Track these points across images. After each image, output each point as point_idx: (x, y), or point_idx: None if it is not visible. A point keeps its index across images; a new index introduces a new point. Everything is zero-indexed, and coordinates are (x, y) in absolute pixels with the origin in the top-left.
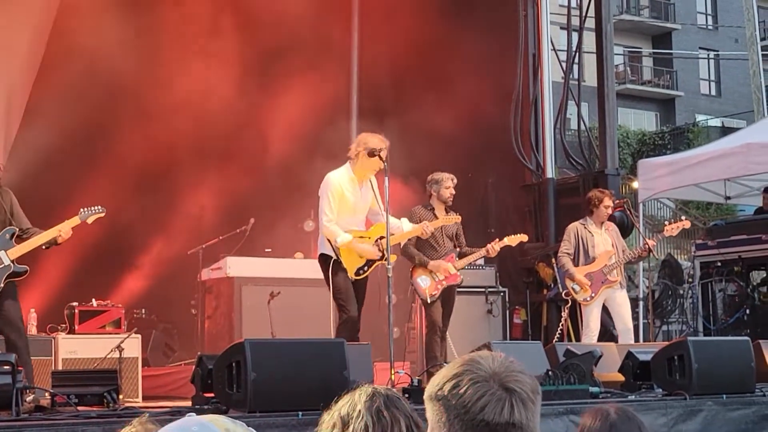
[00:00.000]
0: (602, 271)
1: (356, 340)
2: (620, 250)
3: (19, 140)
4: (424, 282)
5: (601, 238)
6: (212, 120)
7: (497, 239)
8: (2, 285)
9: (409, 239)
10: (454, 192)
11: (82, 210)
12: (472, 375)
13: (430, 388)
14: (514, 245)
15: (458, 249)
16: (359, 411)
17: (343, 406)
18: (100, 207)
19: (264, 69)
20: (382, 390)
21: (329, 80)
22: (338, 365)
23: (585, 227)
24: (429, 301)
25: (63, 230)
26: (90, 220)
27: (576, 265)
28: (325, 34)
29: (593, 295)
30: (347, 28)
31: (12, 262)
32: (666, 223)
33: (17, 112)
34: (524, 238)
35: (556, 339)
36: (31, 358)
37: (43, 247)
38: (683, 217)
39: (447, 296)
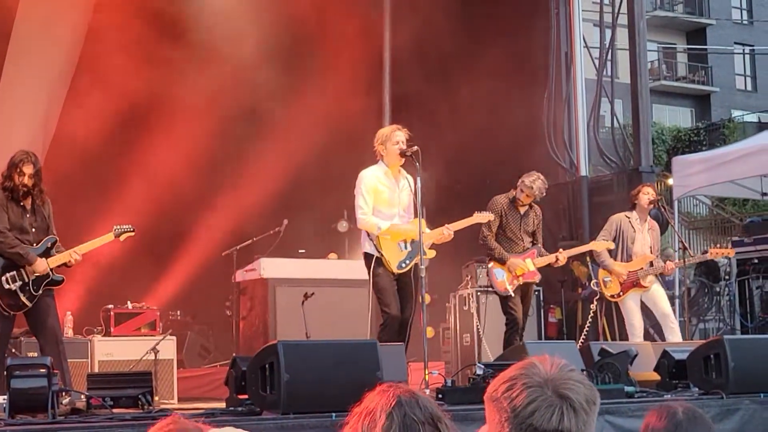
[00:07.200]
0: (637, 274)
1: (400, 340)
2: (655, 254)
3: (56, 141)
4: (500, 275)
5: (642, 237)
6: (242, 121)
7: (573, 247)
8: (41, 291)
9: (490, 232)
10: (528, 200)
11: (115, 227)
12: (526, 379)
13: (489, 389)
14: (599, 250)
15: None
16: (388, 412)
17: (368, 404)
18: (130, 226)
19: (293, 67)
20: (406, 389)
21: (361, 80)
22: (371, 366)
23: (629, 220)
24: (503, 295)
25: (95, 246)
26: (122, 238)
27: (614, 258)
28: (356, 29)
29: (621, 293)
30: (379, 24)
31: (51, 270)
32: (710, 248)
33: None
34: (611, 245)
35: (584, 336)
36: (68, 360)
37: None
38: (729, 246)
39: (525, 293)
